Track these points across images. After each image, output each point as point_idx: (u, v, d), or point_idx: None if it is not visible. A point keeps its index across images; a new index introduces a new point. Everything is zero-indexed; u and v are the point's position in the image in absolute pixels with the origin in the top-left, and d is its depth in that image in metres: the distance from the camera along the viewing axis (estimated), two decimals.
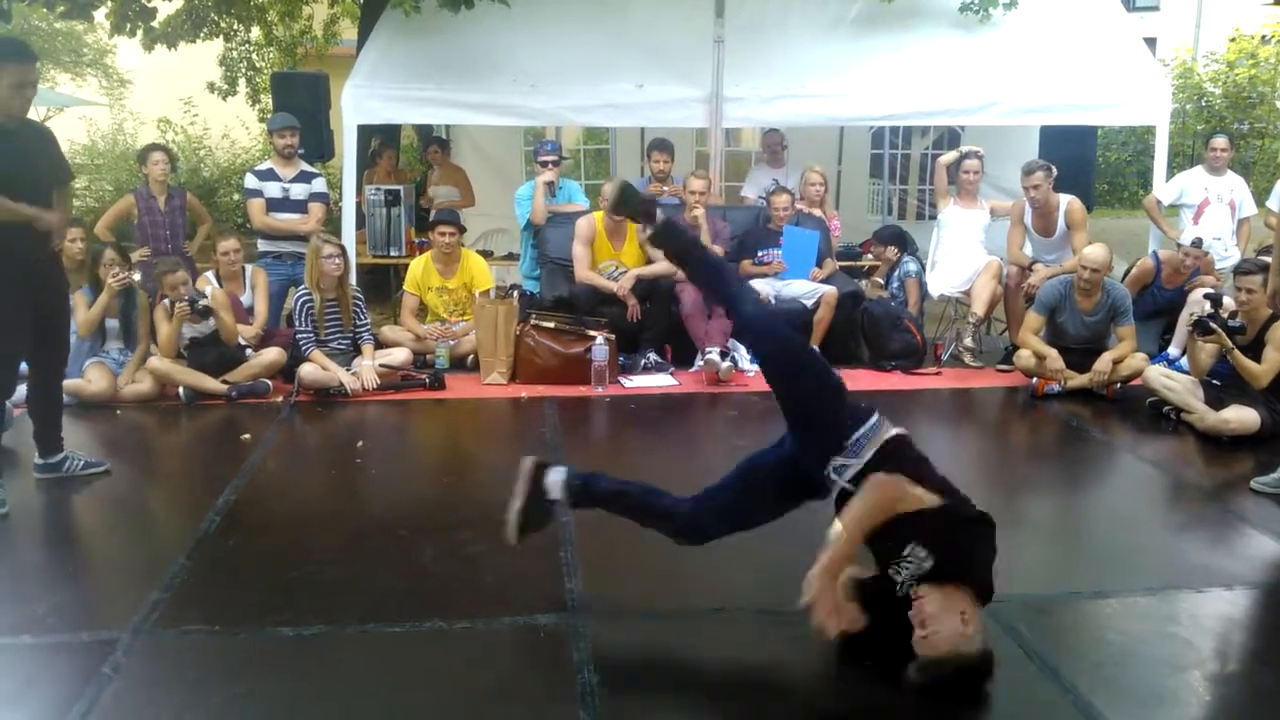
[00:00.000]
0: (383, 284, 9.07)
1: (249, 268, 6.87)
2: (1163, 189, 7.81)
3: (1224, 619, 3.50)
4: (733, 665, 3.18)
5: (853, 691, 3.03)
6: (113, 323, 6.09)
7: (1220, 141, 7.70)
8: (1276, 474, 4.66)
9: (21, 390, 4.80)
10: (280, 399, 6.11)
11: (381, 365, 6.37)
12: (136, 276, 6.17)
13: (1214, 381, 5.64)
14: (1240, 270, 5.55)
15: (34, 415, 4.71)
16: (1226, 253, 7.40)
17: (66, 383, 5.82)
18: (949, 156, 7.69)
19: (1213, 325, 5.46)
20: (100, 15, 8.96)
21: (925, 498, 3.00)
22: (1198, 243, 6.80)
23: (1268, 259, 5.78)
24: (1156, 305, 7.03)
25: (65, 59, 15.60)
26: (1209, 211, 7.52)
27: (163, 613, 3.39)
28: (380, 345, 6.67)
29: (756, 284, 7.01)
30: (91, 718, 2.79)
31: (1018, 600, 3.55)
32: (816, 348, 6.96)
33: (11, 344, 4.39)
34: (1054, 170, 7.03)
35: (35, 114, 14.64)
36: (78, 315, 6.01)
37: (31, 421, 4.73)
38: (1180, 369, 6.16)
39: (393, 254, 8.28)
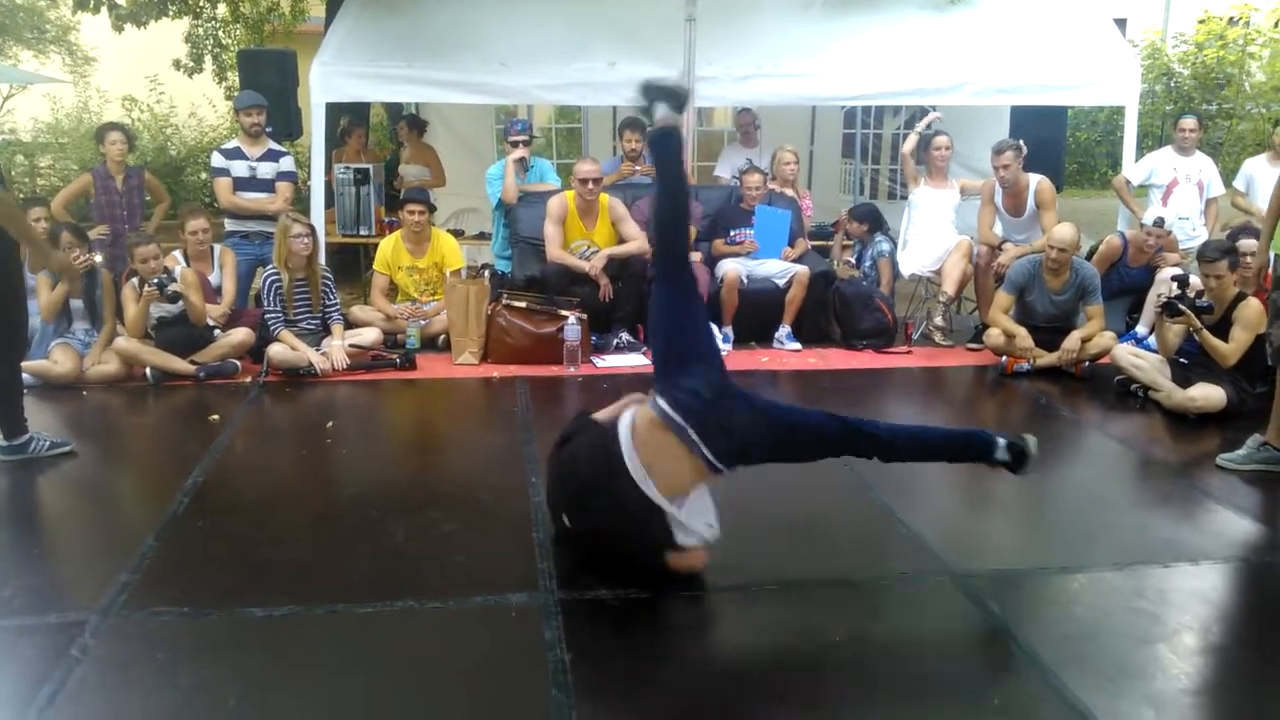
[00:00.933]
0: (352, 263, 9.02)
1: (217, 247, 6.79)
2: (1132, 169, 7.85)
3: (1190, 593, 3.54)
4: (704, 643, 3.19)
5: (822, 668, 3.05)
6: (77, 303, 6.02)
7: (1189, 122, 7.74)
8: (1243, 451, 4.72)
9: None
10: (249, 379, 6.06)
11: (351, 345, 6.34)
12: (98, 258, 6.10)
13: (1181, 360, 5.70)
14: (1204, 258, 5.55)
15: None
16: (1194, 232, 7.46)
17: (32, 364, 5.79)
18: (910, 143, 7.73)
19: (1180, 306, 5.51)
20: None
21: None
22: (1159, 222, 6.84)
23: (1233, 242, 5.83)
24: (1123, 284, 7.08)
25: (27, 35, 15.33)
26: (1177, 191, 7.58)
27: (131, 594, 3.36)
28: (350, 325, 6.63)
29: (728, 264, 7.02)
30: (60, 700, 2.76)
31: (987, 574, 3.59)
32: (789, 326, 6.99)
33: None
34: (1024, 149, 7.06)
35: None
36: (40, 298, 5.94)
37: None
38: (1148, 348, 6.22)
39: (362, 233, 8.23)
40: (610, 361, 6.55)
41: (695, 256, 7.08)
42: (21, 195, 12.67)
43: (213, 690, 2.82)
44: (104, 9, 9.19)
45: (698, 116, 8.23)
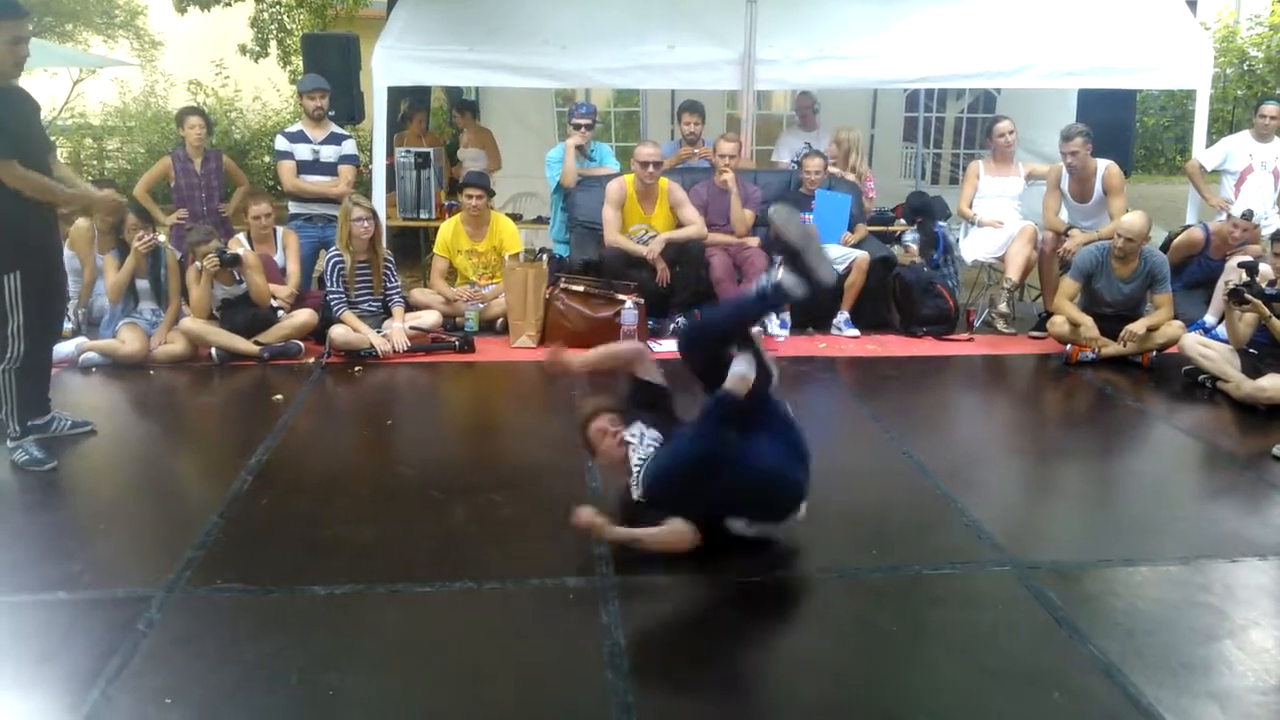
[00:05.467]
0: (412, 247, 9.09)
1: (280, 230, 6.89)
2: (1206, 154, 7.66)
3: (1257, 589, 3.47)
4: (759, 629, 3.18)
5: (879, 656, 3.03)
6: (143, 284, 6.13)
7: (1271, 108, 7.51)
8: None
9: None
10: (311, 360, 6.14)
11: (411, 328, 6.39)
12: (161, 238, 6.19)
13: (1251, 350, 5.57)
14: (1278, 238, 5.45)
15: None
16: (1266, 220, 7.27)
17: (100, 344, 5.94)
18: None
19: (1248, 295, 5.38)
20: None
21: None
22: (1248, 214, 6.66)
23: None
24: (1204, 275, 6.91)
25: (97, 20, 15.63)
26: (1251, 179, 7.39)
27: (196, 571, 3.43)
28: (410, 308, 6.68)
29: None
30: (126, 673, 2.83)
31: (1048, 567, 3.54)
32: (848, 312, 6.93)
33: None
34: (1091, 136, 6.93)
35: (68, 76, 14.83)
36: (107, 278, 6.07)
37: None
38: (1217, 337, 6.08)
39: (422, 217, 8.28)
40: (667, 346, 6.51)
41: (753, 242, 7.04)
42: (90, 178, 12.94)
43: (275, 666, 2.87)
44: None
45: (757, 100, 8.17)
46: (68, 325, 5.94)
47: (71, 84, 15.31)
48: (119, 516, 4.03)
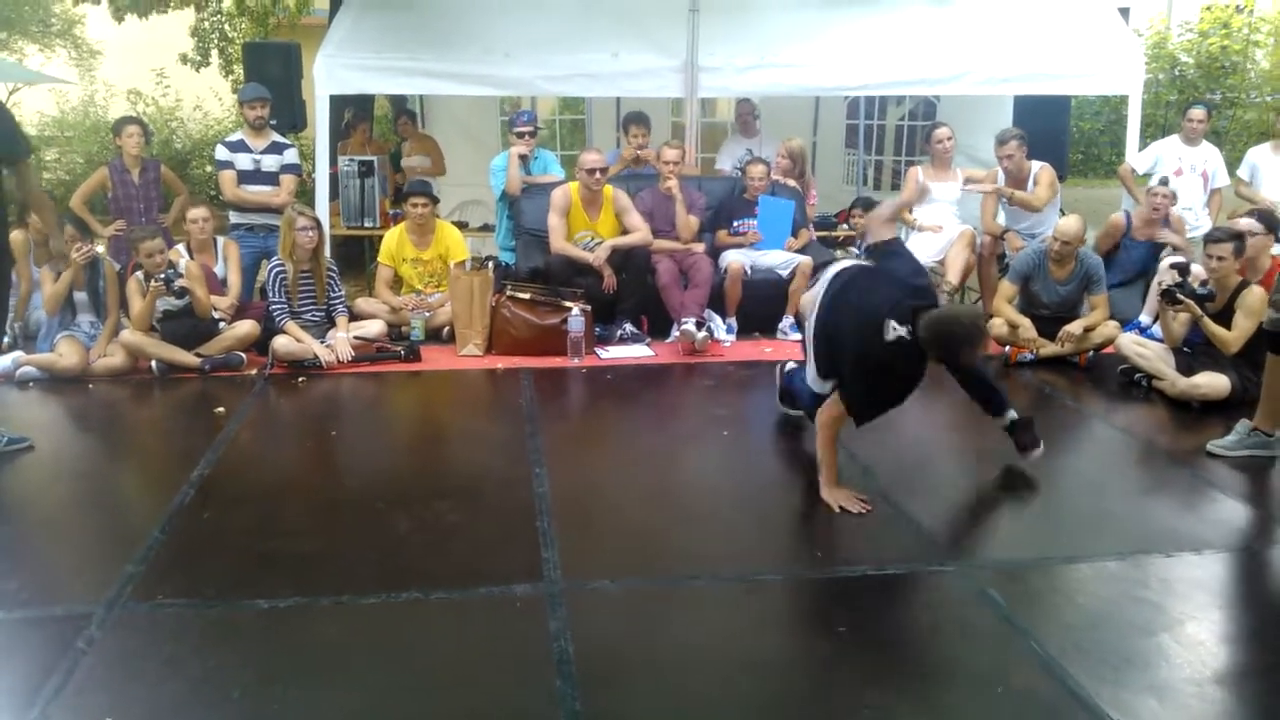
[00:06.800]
0: (357, 256, 9.02)
1: (220, 239, 6.81)
2: (1137, 158, 7.84)
3: (1193, 583, 3.54)
4: (708, 634, 3.20)
5: (826, 657, 3.06)
6: (81, 296, 6.03)
7: (1197, 112, 7.71)
8: (1233, 436, 4.72)
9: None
10: (254, 372, 6.07)
11: (356, 337, 6.34)
12: (100, 249, 6.09)
13: (1185, 349, 5.69)
14: (1211, 238, 5.58)
15: None
16: (1197, 222, 7.45)
17: (38, 358, 5.83)
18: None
19: (1180, 295, 5.50)
20: None
21: None
22: (1164, 181, 6.81)
23: (1238, 227, 5.83)
24: (1131, 263, 7.03)
25: (33, 29, 15.34)
26: (1181, 181, 7.55)
27: (137, 586, 3.38)
28: (355, 317, 6.63)
29: (732, 255, 7.01)
30: (66, 692, 2.78)
31: (989, 565, 3.60)
32: (791, 318, 6.99)
33: None
34: (1026, 139, 7.07)
35: (3, 85, 14.53)
36: (44, 291, 5.96)
37: None
38: (1153, 336, 6.21)
39: (367, 225, 8.22)
40: (614, 353, 6.55)
41: (699, 247, 7.08)
42: None
43: (218, 682, 2.84)
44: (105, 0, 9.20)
45: (701, 108, 8.22)
46: (4, 339, 5.84)
47: (7, 93, 15.01)
48: (58, 533, 3.97)
